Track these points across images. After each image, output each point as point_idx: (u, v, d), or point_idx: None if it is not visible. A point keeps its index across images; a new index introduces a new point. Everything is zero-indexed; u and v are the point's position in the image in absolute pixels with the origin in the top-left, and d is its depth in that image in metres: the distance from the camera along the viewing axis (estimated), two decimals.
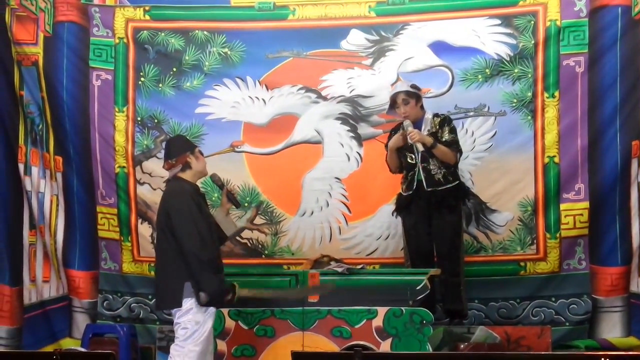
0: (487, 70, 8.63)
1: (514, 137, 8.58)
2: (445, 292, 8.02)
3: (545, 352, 7.67)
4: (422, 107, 8.14)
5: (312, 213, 8.79)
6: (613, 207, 8.39)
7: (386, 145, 8.23)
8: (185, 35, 8.96)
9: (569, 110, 8.49)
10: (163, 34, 8.97)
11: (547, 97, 8.53)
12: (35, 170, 8.86)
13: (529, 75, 8.55)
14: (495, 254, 8.59)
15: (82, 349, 8.22)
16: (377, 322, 7.46)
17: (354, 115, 8.83)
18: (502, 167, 8.58)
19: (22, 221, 8.78)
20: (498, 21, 8.64)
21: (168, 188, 7.25)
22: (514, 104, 8.59)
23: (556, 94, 8.52)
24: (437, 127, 8.06)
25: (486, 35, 8.66)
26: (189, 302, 6.93)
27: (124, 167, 8.92)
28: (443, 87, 8.68)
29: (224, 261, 7.27)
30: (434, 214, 8.01)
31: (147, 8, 8.98)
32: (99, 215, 8.94)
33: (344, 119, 8.84)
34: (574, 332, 8.37)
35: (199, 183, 7.38)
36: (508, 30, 8.61)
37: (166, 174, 7.37)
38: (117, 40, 8.96)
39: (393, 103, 8.12)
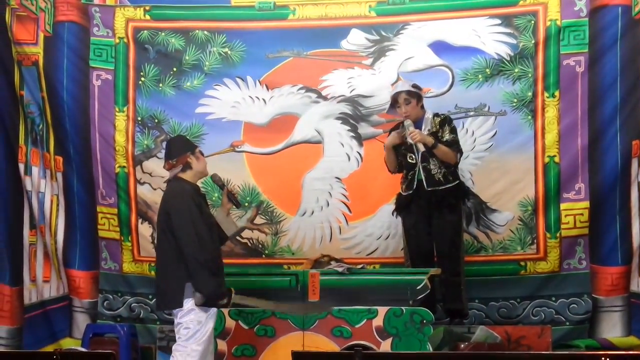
0: (487, 70, 8.63)
1: (514, 136, 8.58)
2: (446, 292, 8.02)
3: (545, 351, 7.67)
4: (422, 106, 8.14)
5: (312, 213, 8.80)
6: (613, 206, 8.39)
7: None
8: (185, 35, 8.96)
9: (569, 110, 8.49)
10: (163, 34, 8.98)
11: (548, 97, 8.53)
12: (35, 170, 8.86)
13: (529, 75, 8.55)
14: (495, 254, 8.59)
15: (83, 349, 8.22)
16: (378, 321, 7.45)
17: (354, 115, 8.83)
18: (502, 167, 8.58)
19: (22, 221, 8.77)
20: (498, 21, 8.64)
21: (168, 188, 7.25)
22: (514, 104, 8.59)
23: (556, 93, 8.52)
24: (438, 126, 8.06)
25: (486, 35, 8.66)
26: (190, 302, 6.93)
27: (124, 167, 8.92)
28: (443, 86, 8.68)
29: (225, 261, 7.28)
30: (434, 213, 8.01)
31: (147, 8, 8.98)
32: (99, 215, 8.94)
33: (344, 118, 8.84)
34: (574, 332, 8.37)
35: (199, 183, 7.38)
36: (508, 30, 8.61)
37: (166, 174, 7.37)
38: (117, 40, 8.96)
39: (394, 102, 8.11)
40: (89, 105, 8.94)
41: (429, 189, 7.99)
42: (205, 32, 8.95)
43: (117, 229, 8.93)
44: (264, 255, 8.85)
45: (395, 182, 8.25)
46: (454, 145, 8.01)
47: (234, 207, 7.59)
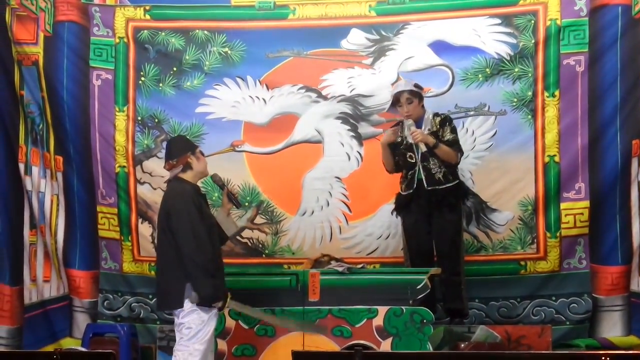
0: (487, 70, 8.63)
1: (514, 136, 8.58)
2: (446, 292, 8.02)
3: (545, 351, 7.67)
4: (423, 106, 8.14)
5: (312, 212, 8.80)
6: (613, 206, 8.40)
7: None
8: (185, 35, 8.96)
9: (569, 110, 8.50)
10: (163, 34, 8.97)
11: (548, 97, 8.53)
12: (35, 170, 8.86)
13: (529, 75, 8.55)
14: (495, 253, 8.59)
15: (83, 349, 8.21)
16: (378, 321, 7.46)
17: (355, 115, 8.83)
18: (502, 167, 8.58)
19: (22, 221, 8.78)
20: (498, 20, 8.64)
21: (169, 189, 7.25)
22: (514, 103, 8.59)
23: (556, 93, 8.52)
24: (438, 126, 8.06)
25: (486, 35, 8.66)
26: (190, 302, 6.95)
27: (124, 166, 8.92)
28: (443, 86, 8.68)
29: (225, 260, 7.28)
30: (434, 213, 8.01)
31: (147, 7, 8.97)
32: (99, 215, 8.94)
33: (344, 118, 8.84)
34: (574, 331, 8.37)
35: (199, 183, 7.38)
36: (508, 30, 8.61)
37: (166, 174, 7.37)
38: (117, 40, 8.96)
39: (396, 101, 8.11)
40: (89, 105, 8.94)
41: (429, 189, 7.98)
42: (206, 32, 8.95)
43: (117, 228, 8.92)
44: (264, 255, 8.85)
45: (396, 181, 8.25)
46: (455, 145, 8.01)
47: (234, 207, 7.59)
